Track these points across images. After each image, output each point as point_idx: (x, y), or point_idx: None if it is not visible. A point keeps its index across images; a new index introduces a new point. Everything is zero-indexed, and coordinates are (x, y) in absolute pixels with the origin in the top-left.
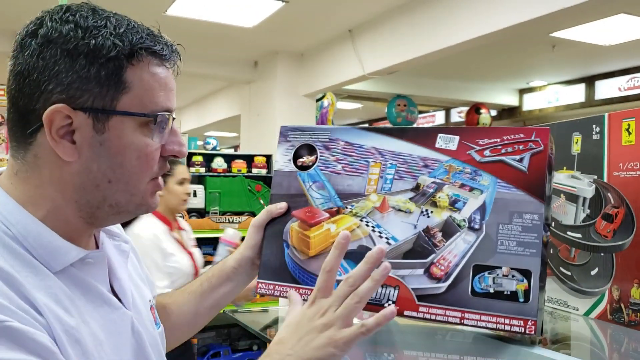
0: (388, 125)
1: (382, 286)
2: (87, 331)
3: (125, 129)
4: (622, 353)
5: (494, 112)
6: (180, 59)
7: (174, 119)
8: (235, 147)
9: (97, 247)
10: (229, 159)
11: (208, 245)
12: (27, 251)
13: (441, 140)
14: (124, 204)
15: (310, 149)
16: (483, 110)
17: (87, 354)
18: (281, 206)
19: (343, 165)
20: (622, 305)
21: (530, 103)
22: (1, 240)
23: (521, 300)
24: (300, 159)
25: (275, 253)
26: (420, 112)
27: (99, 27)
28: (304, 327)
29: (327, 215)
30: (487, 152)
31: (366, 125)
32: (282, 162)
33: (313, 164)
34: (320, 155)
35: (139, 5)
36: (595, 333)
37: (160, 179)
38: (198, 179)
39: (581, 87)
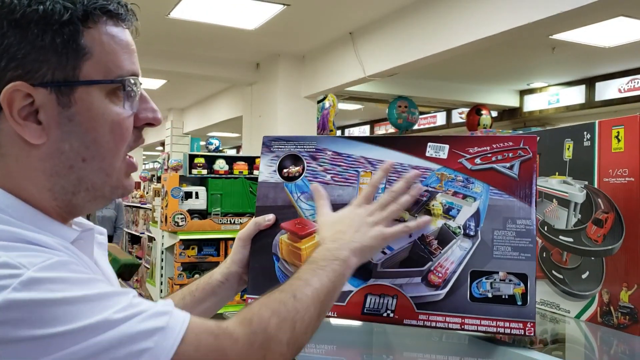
0: (388, 126)
1: (380, 296)
2: None
3: (93, 100)
4: (612, 355)
5: (494, 113)
6: (136, 18)
7: (141, 84)
8: (238, 148)
9: None
10: (230, 160)
11: (210, 246)
12: (32, 227)
13: (431, 149)
14: (100, 185)
15: (296, 159)
16: (484, 112)
17: None
18: (269, 218)
19: (332, 175)
20: (612, 308)
21: (531, 104)
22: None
23: (519, 303)
24: (285, 169)
25: (265, 267)
26: (421, 113)
27: None
28: (357, 222)
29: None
30: (477, 160)
31: (362, 133)
32: (267, 173)
33: (300, 175)
34: (308, 166)
35: (142, 7)
36: (587, 335)
37: (134, 159)
38: (200, 181)
39: (581, 89)
